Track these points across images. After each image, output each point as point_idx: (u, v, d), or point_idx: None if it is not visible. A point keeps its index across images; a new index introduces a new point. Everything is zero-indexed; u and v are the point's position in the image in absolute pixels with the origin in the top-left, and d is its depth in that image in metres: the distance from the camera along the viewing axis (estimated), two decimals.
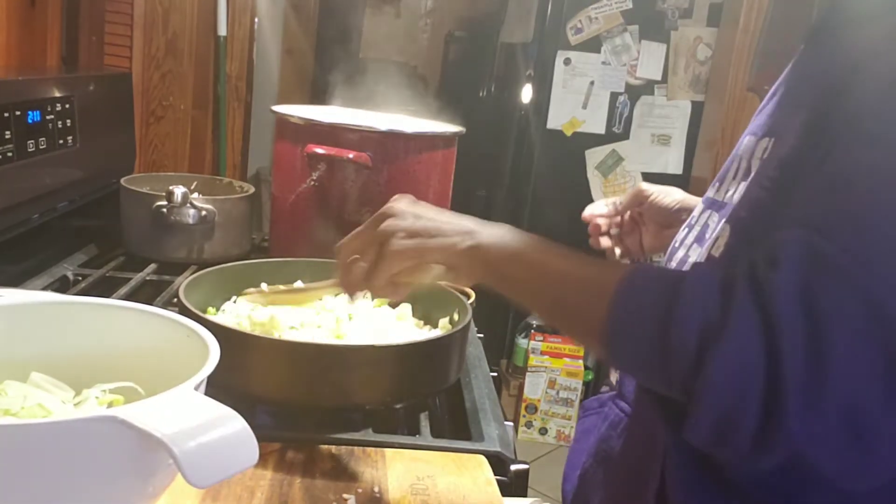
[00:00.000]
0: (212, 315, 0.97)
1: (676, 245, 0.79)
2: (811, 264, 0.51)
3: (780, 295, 0.50)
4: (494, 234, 0.69)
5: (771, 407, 0.49)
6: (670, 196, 0.99)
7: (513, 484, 0.80)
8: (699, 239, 0.74)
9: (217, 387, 0.94)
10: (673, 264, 0.78)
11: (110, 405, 0.66)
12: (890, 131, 0.54)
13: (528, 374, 2.86)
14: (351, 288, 0.76)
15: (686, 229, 0.79)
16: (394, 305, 1.05)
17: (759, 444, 0.50)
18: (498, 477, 0.78)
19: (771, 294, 0.50)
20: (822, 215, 0.53)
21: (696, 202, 0.95)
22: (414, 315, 1.04)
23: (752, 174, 0.67)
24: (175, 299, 0.98)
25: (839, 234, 0.51)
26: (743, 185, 0.68)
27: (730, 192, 0.71)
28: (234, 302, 1.03)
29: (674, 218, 0.97)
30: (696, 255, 0.72)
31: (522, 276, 0.67)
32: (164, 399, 0.51)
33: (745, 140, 0.72)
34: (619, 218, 1.03)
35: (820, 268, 0.50)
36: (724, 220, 0.68)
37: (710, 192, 0.76)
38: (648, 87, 2.91)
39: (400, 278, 0.73)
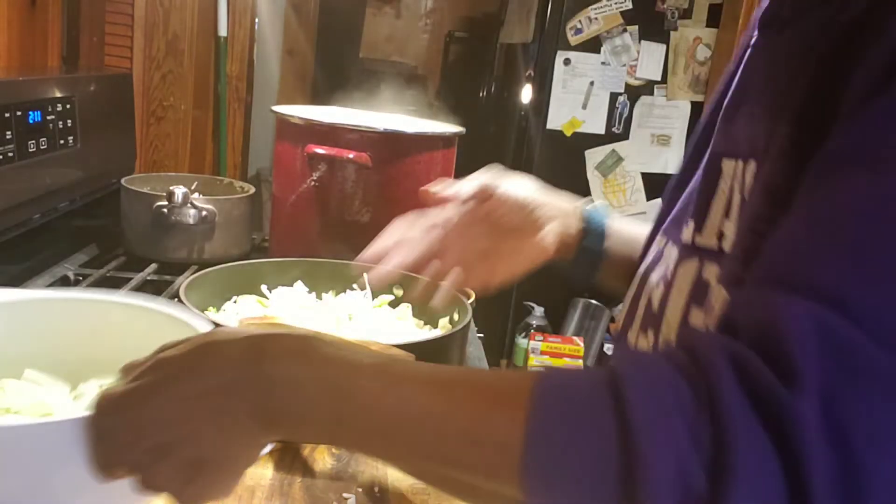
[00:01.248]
0: (212, 315, 0.97)
1: (647, 285, 0.63)
2: (835, 363, 0.35)
3: (804, 424, 0.35)
4: (291, 398, 0.43)
5: None
6: (523, 189, 0.78)
7: None
8: (695, 297, 0.56)
9: None
10: (640, 310, 0.62)
11: None
12: None
13: None
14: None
15: (660, 279, 0.62)
16: (394, 305, 1.05)
17: None
18: None
19: (793, 424, 0.35)
20: (832, 276, 0.38)
21: (556, 201, 0.79)
22: (414, 315, 1.04)
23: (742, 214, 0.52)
24: (175, 299, 0.99)
25: (863, 310, 0.36)
26: (716, 221, 0.54)
27: (726, 239, 0.54)
28: (235, 302, 1.03)
29: (527, 222, 0.77)
30: (679, 310, 0.56)
31: (380, 448, 0.44)
32: None
33: (723, 164, 0.57)
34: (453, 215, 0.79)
35: (847, 368, 0.35)
36: (723, 286, 0.52)
37: (684, 235, 0.60)
38: (648, 87, 2.91)
39: None
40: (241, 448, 0.46)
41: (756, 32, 0.60)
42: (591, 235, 0.80)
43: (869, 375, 0.35)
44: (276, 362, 0.43)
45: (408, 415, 0.42)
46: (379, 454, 0.45)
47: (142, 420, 0.45)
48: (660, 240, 0.67)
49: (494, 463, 0.40)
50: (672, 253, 0.62)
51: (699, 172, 0.62)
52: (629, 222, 0.83)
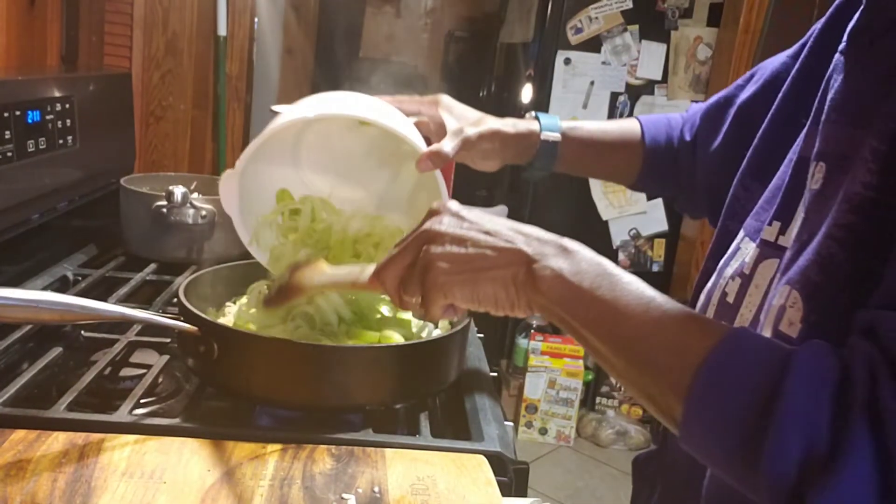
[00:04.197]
0: (212, 315, 0.97)
1: (714, 271, 0.69)
2: None
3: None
4: (556, 263, 0.57)
5: None
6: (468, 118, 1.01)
7: (513, 484, 0.80)
8: (766, 301, 0.61)
9: (217, 387, 0.94)
10: (701, 296, 0.69)
11: None
12: None
13: (528, 374, 2.86)
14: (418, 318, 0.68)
15: (736, 273, 0.66)
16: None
17: None
18: (498, 477, 0.78)
19: (892, 428, 0.41)
20: None
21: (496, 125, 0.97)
22: (414, 315, 1.03)
23: (822, 224, 0.54)
24: (175, 299, 0.98)
25: None
26: (799, 221, 0.57)
27: (791, 234, 0.59)
28: (234, 302, 1.03)
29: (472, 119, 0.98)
30: (755, 305, 0.61)
31: (590, 322, 0.55)
32: None
33: (793, 160, 0.61)
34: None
35: None
36: (785, 283, 0.56)
37: (766, 233, 0.64)
38: (648, 87, 2.91)
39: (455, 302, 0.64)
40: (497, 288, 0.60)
41: (845, 42, 0.60)
42: (546, 127, 0.98)
43: None
44: (547, 262, 0.58)
45: (614, 329, 0.54)
46: (581, 339, 0.57)
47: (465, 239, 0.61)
48: (733, 233, 0.71)
49: (672, 376, 0.49)
50: (749, 248, 0.66)
51: (783, 172, 0.64)
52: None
